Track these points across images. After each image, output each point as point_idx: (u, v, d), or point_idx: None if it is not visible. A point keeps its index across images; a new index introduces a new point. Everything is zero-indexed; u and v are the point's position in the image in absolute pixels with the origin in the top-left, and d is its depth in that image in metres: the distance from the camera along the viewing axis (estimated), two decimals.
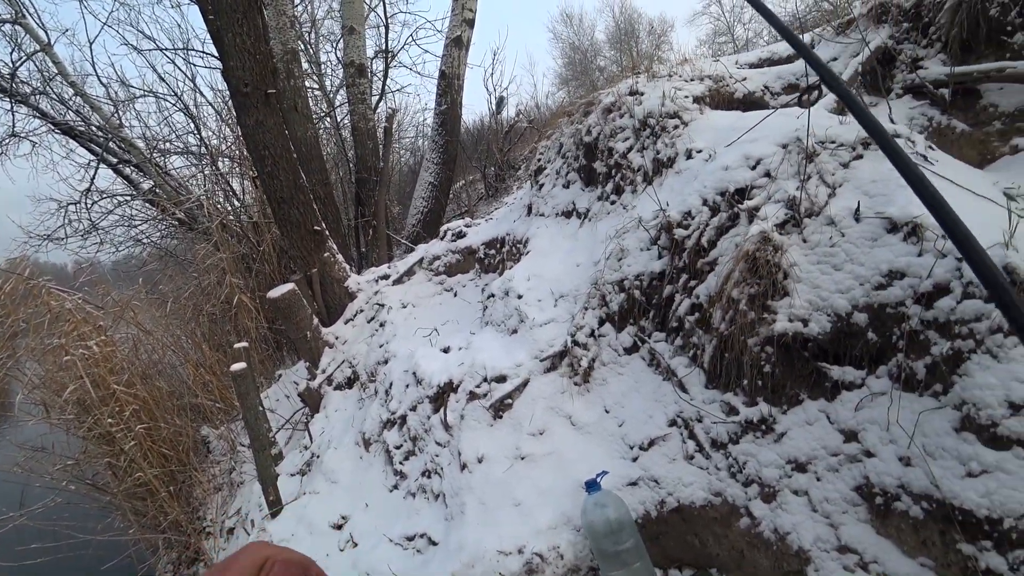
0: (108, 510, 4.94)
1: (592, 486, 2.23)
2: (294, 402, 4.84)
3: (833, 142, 2.31)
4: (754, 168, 2.41)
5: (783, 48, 3.93)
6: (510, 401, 2.81)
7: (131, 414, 4.80)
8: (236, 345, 4.26)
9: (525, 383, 2.84)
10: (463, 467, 2.72)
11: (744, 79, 3.43)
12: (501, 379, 2.87)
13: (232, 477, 4.91)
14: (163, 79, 7.22)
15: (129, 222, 7.07)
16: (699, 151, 2.83)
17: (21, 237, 6.96)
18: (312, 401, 4.42)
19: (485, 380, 2.90)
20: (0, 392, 6.13)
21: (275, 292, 4.30)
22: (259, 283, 5.93)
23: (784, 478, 2.06)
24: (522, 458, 2.60)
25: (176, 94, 7.07)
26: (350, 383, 4.35)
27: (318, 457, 3.78)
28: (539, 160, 4.11)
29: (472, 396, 2.90)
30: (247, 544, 0.44)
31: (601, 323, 2.87)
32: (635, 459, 2.40)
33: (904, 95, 3.07)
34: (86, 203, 7.07)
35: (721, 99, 3.37)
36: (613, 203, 3.31)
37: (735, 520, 2.15)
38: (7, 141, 7.06)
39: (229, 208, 6.42)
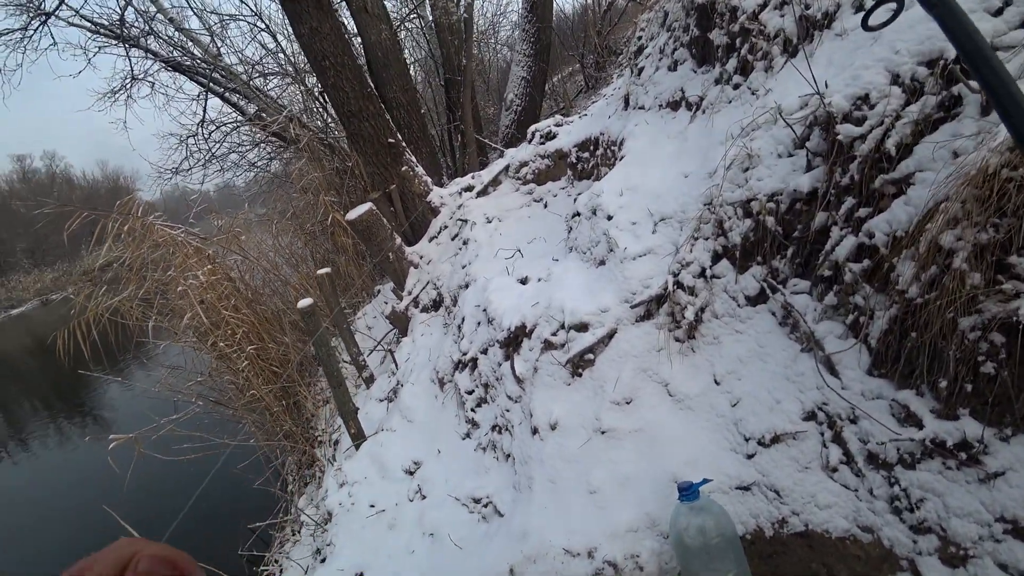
0: (236, 420, 5.27)
1: (688, 493, 1.62)
2: (387, 323, 4.64)
3: None
4: (996, 15, 1.41)
5: None
6: (591, 356, 2.20)
7: (242, 336, 4.91)
8: (318, 271, 4.01)
9: (611, 334, 2.20)
10: (534, 431, 2.22)
11: None
12: (582, 327, 2.25)
13: None
14: (243, 1, 6.80)
15: (238, 148, 7.05)
16: None
17: (154, 173, 7.29)
18: (400, 324, 4.15)
19: (563, 327, 2.30)
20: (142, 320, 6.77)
21: (353, 213, 3.93)
22: (352, 200, 5.67)
23: (988, 540, 1.30)
24: (603, 432, 2.03)
25: (255, 13, 6.65)
26: (436, 306, 3.98)
27: (400, 387, 3.52)
28: (639, 37, 3.14)
29: (547, 345, 2.33)
30: (115, 541, 0.40)
31: (716, 259, 2.09)
32: (750, 456, 1.72)
33: None
34: (203, 133, 7.12)
35: None
36: (737, 87, 2.37)
37: (889, 571, 1.44)
38: (129, 84, 7.17)
39: (320, 124, 6.08)
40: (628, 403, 2.06)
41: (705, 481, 1.62)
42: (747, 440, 1.75)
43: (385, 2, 4.90)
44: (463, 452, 2.71)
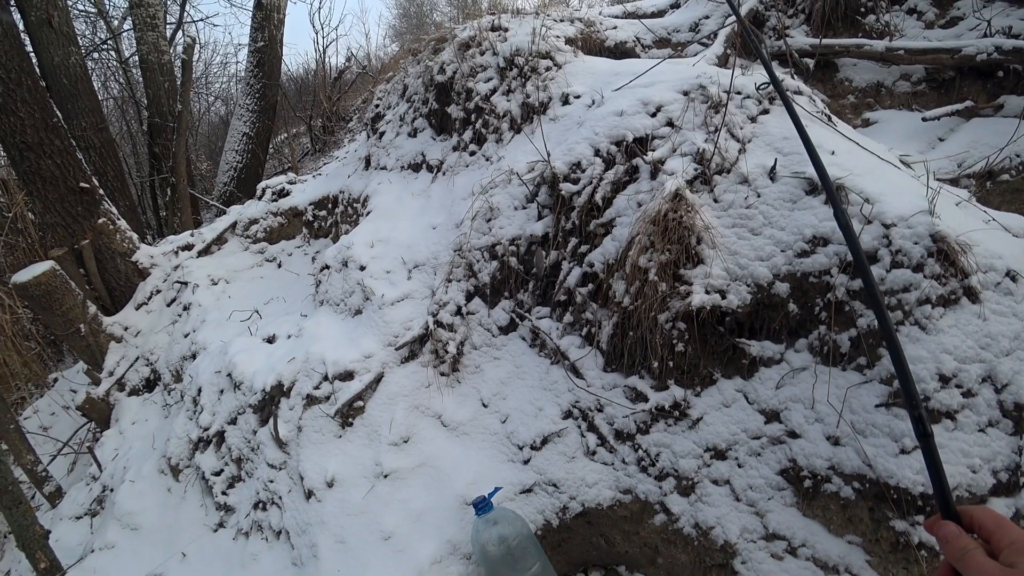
0: None
1: (483, 506, 1.70)
2: (76, 416, 3.61)
3: (739, 93, 1.93)
4: (654, 115, 1.96)
5: (648, 4, 3.70)
6: (361, 403, 2.14)
7: None
8: None
9: (379, 378, 2.18)
10: (309, 495, 2.02)
11: (615, 27, 2.96)
12: (347, 376, 2.17)
13: None
14: None
15: None
16: (578, 96, 2.32)
17: None
18: (99, 414, 3.27)
19: (326, 379, 2.18)
20: None
21: (24, 275, 3.03)
22: (14, 262, 4.34)
23: (703, 468, 1.71)
24: (385, 476, 1.97)
25: None
26: (150, 385, 3.28)
27: (112, 491, 2.76)
28: (377, 106, 3.30)
29: (311, 400, 2.17)
30: None
31: (469, 297, 2.28)
32: (527, 461, 1.90)
33: (771, 60, 2.87)
34: None
35: (592, 45, 2.89)
36: (473, 154, 2.69)
37: (648, 518, 1.77)
38: None
39: None
40: (406, 442, 2.05)
41: (496, 490, 1.73)
42: (521, 448, 1.92)
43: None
44: (217, 547, 2.27)
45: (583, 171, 2.06)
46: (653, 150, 1.99)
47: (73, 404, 3.32)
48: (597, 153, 2.06)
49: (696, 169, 1.93)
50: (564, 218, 2.11)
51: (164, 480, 2.57)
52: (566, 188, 2.08)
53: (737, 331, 1.76)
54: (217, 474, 2.37)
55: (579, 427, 1.90)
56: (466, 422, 2.07)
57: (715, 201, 1.92)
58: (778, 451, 1.63)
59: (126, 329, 3.40)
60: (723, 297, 1.71)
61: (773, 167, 1.81)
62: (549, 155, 2.15)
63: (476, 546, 1.68)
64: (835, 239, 1.62)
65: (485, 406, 2.09)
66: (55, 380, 4.16)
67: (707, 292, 1.75)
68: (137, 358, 3.31)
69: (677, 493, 1.73)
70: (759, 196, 1.82)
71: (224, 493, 2.33)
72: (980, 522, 0.59)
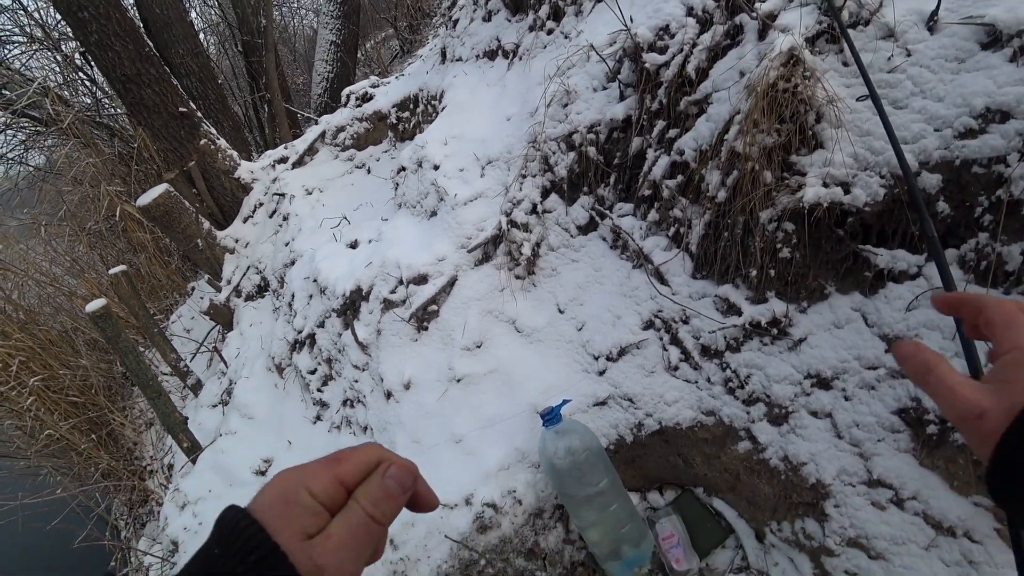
0: (32, 471, 4.22)
1: (551, 417, 1.58)
2: (209, 320, 4.01)
3: None
4: None
5: None
6: (435, 307, 2.06)
7: (19, 367, 3.91)
8: (111, 271, 3.29)
9: (452, 282, 2.08)
10: (388, 395, 2.03)
11: None
12: (421, 279, 2.09)
13: None
14: None
15: None
16: None
17: None
18: (223, 318, 3.60)
19: (401, 283, 2.12)
20: None
21: (145, 198, 3.26)
22: (145, 188, 4.78)
23: (801, 396, 1.44)
24: (458, 380, 1.92)
25: None
26: (261, 291, 3.51)
27: (235, 385, 3.05)
28: None
29: (388, 304, 2.14)
30: (364, 443, 0.41)
31: (545, 194, 2.06)
32: (602, 372, 1.74)
33: None
34: None
35: None
36: (551, 32, 2.35)
37: (732, 444, 1.56)
38: None
39: (88, 101, 4.98)
40: (479, 347, 1.96)
41: (565, 402, 1.60)
42: (596, 359, 1.76)
43: None
44: (316, 437, 2.43)
45: (672, 36, 1.68)
46: (763, 1, 1.56)
47: (201, 311, 3.67)
48: (690, 12, 1.66)
49: (820, 22, 1.49)
50: (649, 97, 1.77)
51: (271, 377, 2.77)
52: (651, 59, 1.71)
53: (861, 236, 1.41)
54: (312, 372, 2.49)
55: (660, 339, 1.68)
56: (540, 328, 1.92)
57: (844, 65, 1.49)
58: (899, 387, 1.31)
59: (236, 241, 3.62)
60: (846, 191, 1.35)
61: (935, 11, 1.33)
62: (632, 20, 1.78)
63: (543, 457, 1.59)
64: (1020, 111, 1.17)
65: (561, 312, 1.93)
66: (192, 289, 4.65)
67: (825, 185, 1.40)
68: (248, 267, 3.54)
69: (767, 421, 1.48)
70: (909, 55, 1.37)
71: (319, 390, 2.45)
72: (989, 318, 0.42)
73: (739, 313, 1.55)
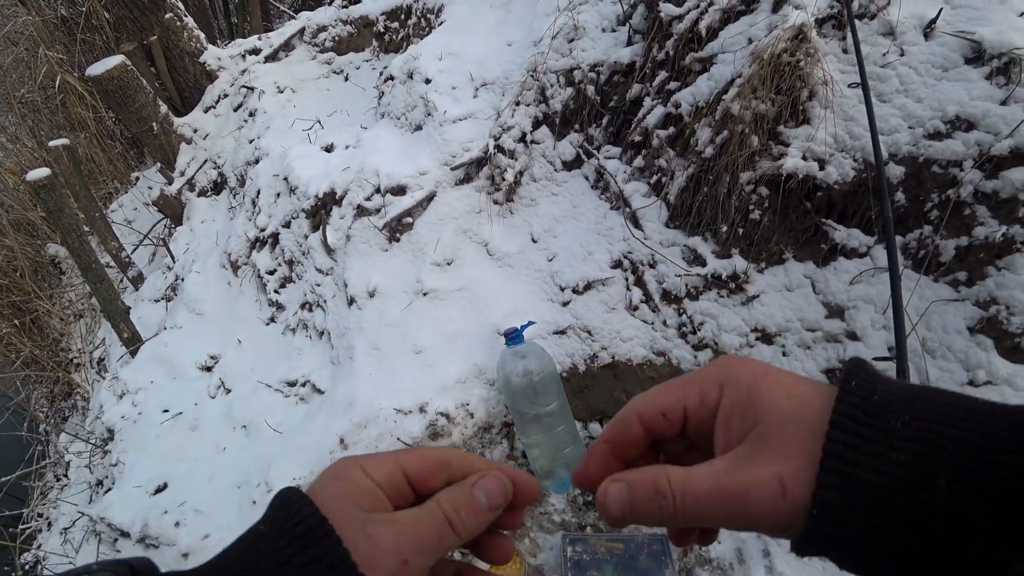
0: None
1: (513, 337, 1.64)
2: (155, 212, 3.79)
3: None
4: None
5: None
6: (410, 219, 2.05)
7: None
8: (51, 143, 3.03)
9: (430, 197, 2.07)
10: (351, 301, 2.03)
11: None
12: (399, 190, 2.07)
13: (94, 301, 3.99)
14: None
15: None
16: None
17: None
18: (172, 211, 3.41)
19: (378, 191, 2.09)
20: None
21: (98, 67, 2.99)
22: (90, 58, 4.35)
23: (745, 347, 1.56)
24: (424, 294, 1.94)
25: None
26: (217, 188, 3.35)
27: (182, 281, 2.94)
28: None
29: (361, 211, 2.11)
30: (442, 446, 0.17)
31: (536, 125, 2.06)
32: (566, 303, 1.80)
33: None
34: None
35: None
36: None
37: None
38: None
39: None
40: (449, 264, 1.98)
41: (530, 323, 1.66)
42: (563, 289, 1.82)
43: None
44: (268, 338, 2.40)
45: None
46: None
47: (148, 203, 3.47)
48: None
49: (832, 7, 1.54)
50: (657, 47, 1.79)
51: (225, 274, 2.69)
52: (666, 10, 1.72)
53: (825, 211, 1.51)
54: (271, 273, 2.44)
55: (626, 280, 1.76)
56: (512, 254, 1.96)
57: (844, 52, 1.57)
58: (830, 349, 1.46)
59: (195, 131, 3.41)
60: (821, 167, 1.45)
61: (934, 19, 1.41)
62: None
63: (500, 374, 1.65)
64: (984, 125, 1.28)
65: (534, 241, 1.97)
66: (137, 179, 4.36)
67: (804, 158, 1.48)
68: (205, 160, 3.35)
69: None
70: (902, 55, 1.46)
71: (276, 292, 2.41)
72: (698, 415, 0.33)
73: (703, 264, 1.64)
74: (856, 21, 1.52)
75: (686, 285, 1.68)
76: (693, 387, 0.33)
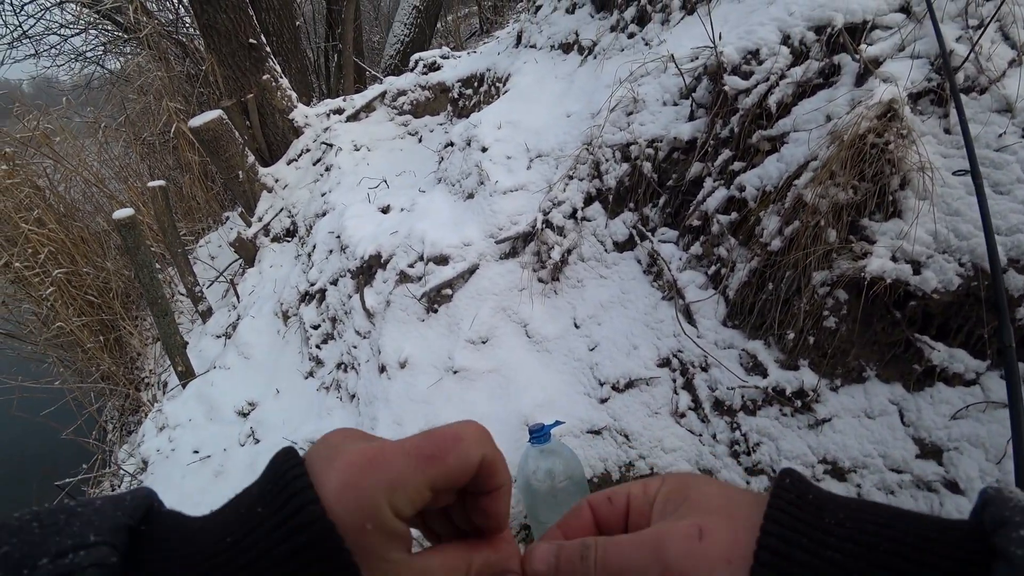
0: (38, 357, 4.32)
1: (539, 435, 1.47)
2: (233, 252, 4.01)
3: None
4: None
5: None
6: (449, 291, 1.97)
7: (47, 256, 3.98)
8: (150, 184, 3.29)
9: (472, 269, 1.98)
10: (381, 369, 1.95)
11: None
12: (442, 260, 2.00)
13: None
14: None
15: (59, 30, 5.53)
16: None
17: None
18: (246, 253, 3.58)
19: (421, 258, 2.04)
20: None
21: (198, 120, 3.25)
22: (202, 109, 4.80)
23: (811, 480, 1.29)
24: (455, 371, 1.82)
25: None
26: (289, 235, 3.48)
27: (241, 320, 3.03)
28: None
29: (403, 277, 2.05)
30: (465, 427, 0.30)
31: (588, 201, 1.94)
32: (604, 400, 1.61)
33: None
34: (11, 2, 5.49)
35: None
36: (632, 36, 2.23)
37: None
38: None
39: (171, 17, 5.02)
40: (484, 342, 1.86)
41: (557, 423, 1.48)
42: (602, 384, 1.64)
43: None
44: (305, 392, 2.37)
45: (760, 63, 1.54)
46: (869, 44, 1.41)
47: (228, 242, 3.67)
48: (785, 40, 1.52)
49: (930, 79, 1.34)
50: (721, 123, 1.63)
51: (276, 323, 2.73)
52: (732, 83, 1.58)
53: (920, 324, 1.26)
54: (315, 327, 2.43)
55: (674, 381, 1.55)
56: (551, 338, 1.81)
57: (946, 132, 1.34)
58: (920, 499, 1.18)
59: (276, 181, 3.59)
60: (916, 271, 1.21)
61: None
62: (720, 37, 1.64)
63: (521, 474, 1.48)
64: None
65: (577, 327, 1.81)
66: (227, 218, 4.67)
67: (894, 259, 1.26)
68: (282, 209, 3.51)
69: None
70: (1023, 136, 1.22)
71: (318, 347, 2.39)
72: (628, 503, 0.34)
73: (764, 374, 1.41)
74: (962, 96, 1.30)
75: (743, 396, 1.45)
76: (639, 482, 0.34)
